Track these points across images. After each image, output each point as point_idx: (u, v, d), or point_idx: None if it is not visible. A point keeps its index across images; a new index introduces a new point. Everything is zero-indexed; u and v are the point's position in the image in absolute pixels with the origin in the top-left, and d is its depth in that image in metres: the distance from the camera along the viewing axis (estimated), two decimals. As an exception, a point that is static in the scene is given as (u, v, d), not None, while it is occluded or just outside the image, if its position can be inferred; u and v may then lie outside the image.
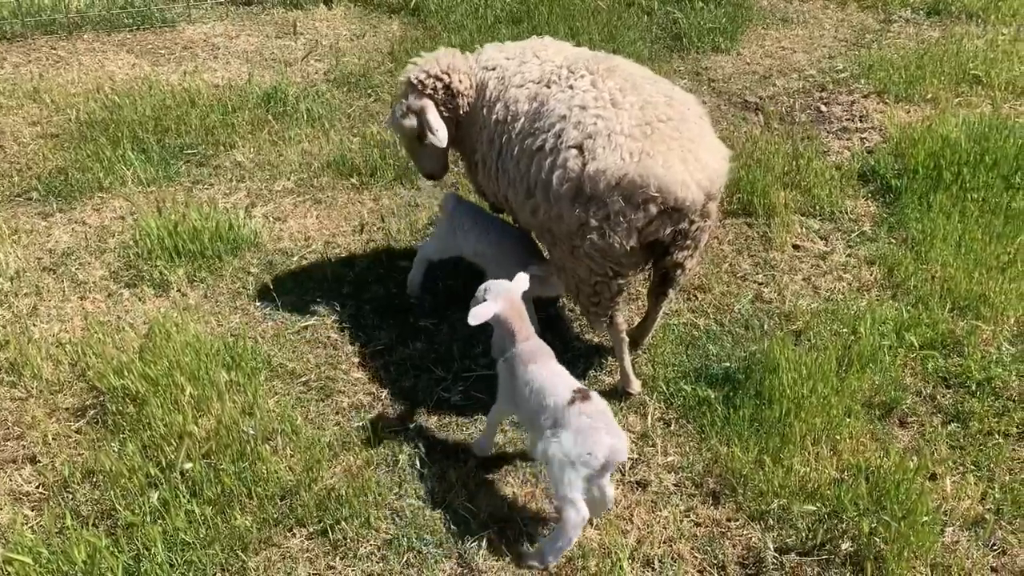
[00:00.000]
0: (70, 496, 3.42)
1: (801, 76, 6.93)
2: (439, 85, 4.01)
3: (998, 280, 4.47)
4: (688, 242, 3.53)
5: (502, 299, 3.42)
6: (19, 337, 4.15)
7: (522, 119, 3.72)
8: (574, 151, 3.43)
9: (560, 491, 3.09)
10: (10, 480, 3.50)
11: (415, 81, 4.04)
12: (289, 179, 5.53)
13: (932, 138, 5.60)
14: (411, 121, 4.09)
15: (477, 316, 3.35)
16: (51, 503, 3.39)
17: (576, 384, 3.27)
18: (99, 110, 6.09)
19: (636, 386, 3.88)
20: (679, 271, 3.67)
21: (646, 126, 3.39)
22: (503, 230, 4.25)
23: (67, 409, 3.82)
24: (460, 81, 4.01)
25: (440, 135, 4.00)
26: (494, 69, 3.99)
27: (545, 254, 4.06)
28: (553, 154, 3.49)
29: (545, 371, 3.33)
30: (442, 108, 4.06)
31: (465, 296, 4.39)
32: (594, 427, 3.08)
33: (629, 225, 3.38)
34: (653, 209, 3.34)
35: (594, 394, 3.21)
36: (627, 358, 3.84)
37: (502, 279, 4.05)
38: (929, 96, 6.40)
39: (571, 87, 3.62)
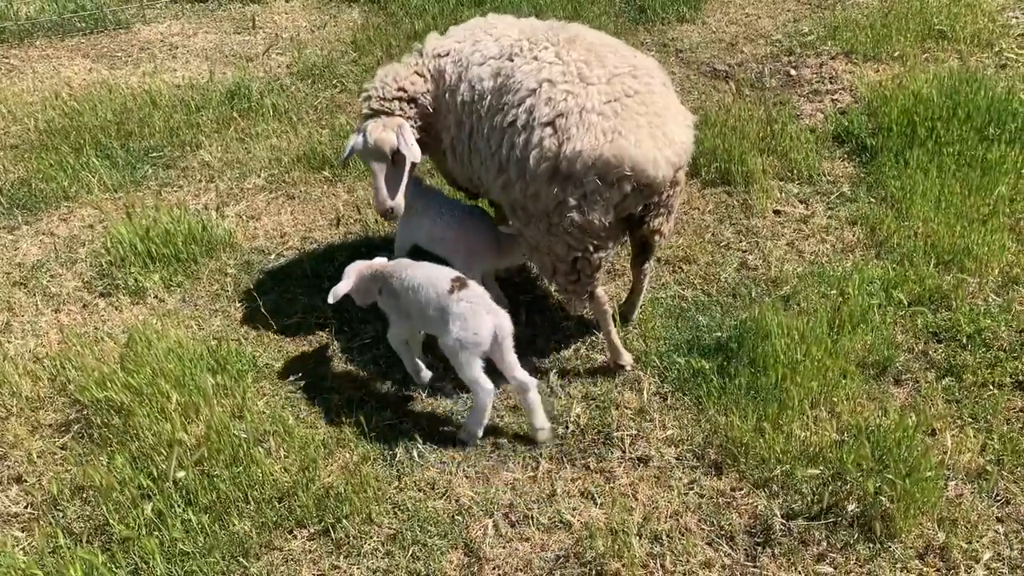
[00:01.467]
0: (60, 514, 3.32)
1: (768, 41, 6.90)
2: (403, 102, 3.92)
3: (980, 232, 4.48)
4: (662, 209, 3.60)
5: (353, 274, 3.76)
6: (-6, 355, 4.03)
7: (488, 96, 3.68)
8: (548, 129, 3.40)
9: (463, 375, 3.49)
10: (-3, 502, 3.40)
11: (380, 107, 3.92)
12: (260, 176, 5.42)
13: (904, 95, 5.60)
14: (390, 136, 3.83)
15: (334, 295, 3.67)
16: (41, 522, 3.29)
17: (454, 274, 3.60)
18: (58, 117, 5.93)
19: (627, 359, 3.85)
20: (657, 236, 3.72)
21: (615, 103, 3.39)
22: (461, 211, 4.10)
23: (50, 425, 3.72)
24: (413, 84, 3.94)
25: (415, 149, 3.86)
26: (447, 54, 3.92)
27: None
28: (527, 131, 3.45)
29: (420, 272, 3.63)
30: (412, 121, 3.95)
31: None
32: (474, 310, 3.42)
33: (606, 202, 3.41)
34: (627, 187, 3.39)
35: (472, 282, 3.56)
36: (614, 331, 3.80)
37: (467, 261, 3.98)
38: (896, 54, 6.40)
39: (536, 59, 3.59)
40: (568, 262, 3.60)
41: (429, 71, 3.96)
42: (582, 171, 3.35)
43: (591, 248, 3.54)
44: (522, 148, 3.47)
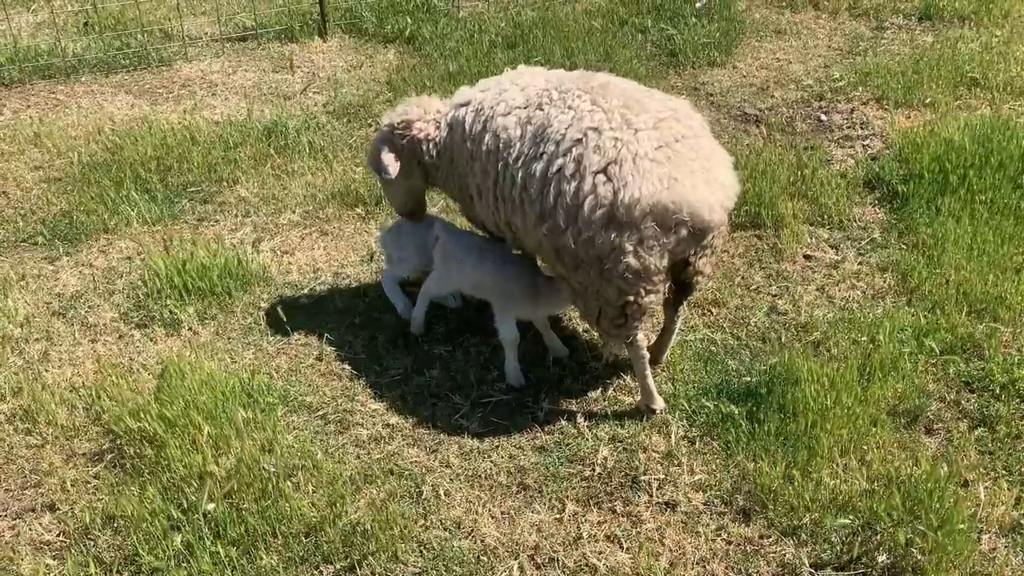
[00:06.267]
0: (92, 543, 3.37)
1: (799, 86, 6.94)
2: (400, 133, 4.20)
3: (1013, 281, 4.45)
4: (707, 250, 3.66)
5: None
6: (32, 383, 4.11)
7: (517, 144, 3.73)
8: (601, 177, 3.44)
9: None
10: (30, 529, 3.45)
11: (384, 127, 4.28)
12: (295, 212, 5.51)
13: (936, 142, 5.60)
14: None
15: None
16: (73, 551, 3.33)
17: None
18: (100, 152, 6.08)
19: (660, 403, 3.85)
20: (700, 277, 3.76)
21: (666, 147, 3.45)
22: (499, 256, 4.12)
23: (84, 454, 3.78)
24: (420, 129, 4.16)
25: (389, 170, 4.18)
26: (467, 104, 4.06)
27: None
28: (576, 179, 3.48)
29: None
30: (406, 152, 4.22)
31: (478, 321, 4.39)
32: None
33: (662, 247, 3.45)
34: (683, 231, 3.45)
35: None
36: (649, 375, 3.81)
37: (505, 306, 4.01)
38: (928, 100, 6.41)
39: (570, 108, 3.63)
40: (618, 306, 3.62)
41: (446, 120, 4.16)
42: (640, 217, 3.40)
43: (643, 292, 3.57)
44: (573, 196, 3.51)
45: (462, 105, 4.08)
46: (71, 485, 3.61)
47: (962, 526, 3.17)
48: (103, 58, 7.64)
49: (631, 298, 3.56)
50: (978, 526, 3.27)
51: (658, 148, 3.44)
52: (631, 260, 3.45)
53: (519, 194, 3.70)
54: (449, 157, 4.15)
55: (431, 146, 4.17)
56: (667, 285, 3.70)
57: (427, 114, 4.20)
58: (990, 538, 3.25)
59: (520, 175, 3.69)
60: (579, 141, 3.51)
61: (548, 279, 3.96)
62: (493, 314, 4.09)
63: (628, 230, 3.42)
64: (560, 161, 3.54)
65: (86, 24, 8.28)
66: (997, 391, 3.87)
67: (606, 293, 3.59)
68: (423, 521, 3.44)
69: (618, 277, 3.50)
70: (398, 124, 4.20)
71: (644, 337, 3.81)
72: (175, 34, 8.12)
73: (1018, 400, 3.82)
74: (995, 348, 4.07)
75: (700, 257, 3.66)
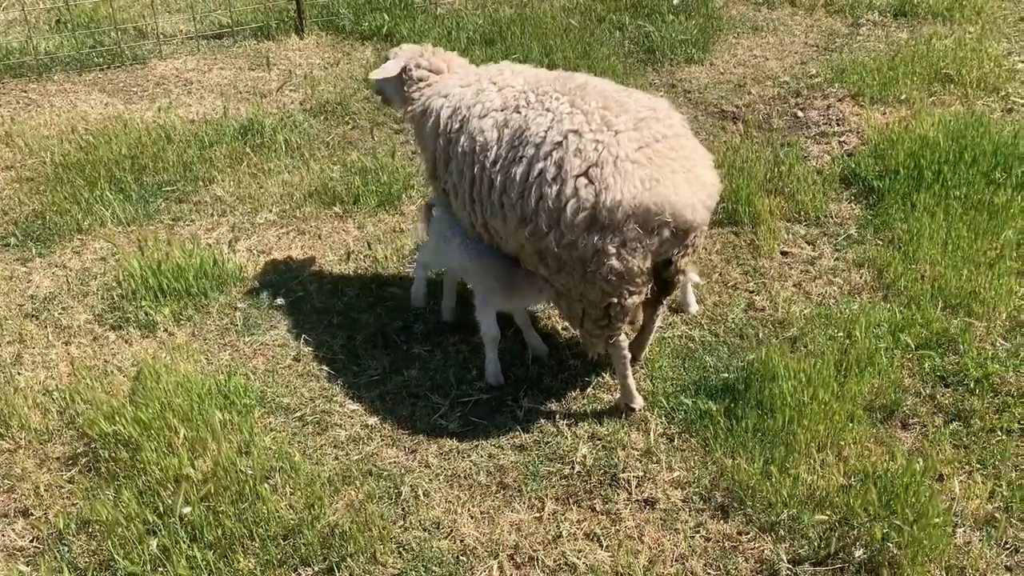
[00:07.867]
0: (66, 548, 3.33)
1: (775, 83, 6.97)
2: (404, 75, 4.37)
3: (987, 276, 4.49)
4: (688, 249, 3.64)
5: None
6: (4, 387, 4.06)
7: (494, 147, 3.71)
8: (583, 180, 3.43)
9: None
10: (2, 535, 3.40)
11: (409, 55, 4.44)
12: (271, 211, 5.47)
13: (910, 138, 5.64)
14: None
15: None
16: (47, 557, 3.30)
17: None
18: (74, 151, 6.01)
19: (639, 402, 3.85)
20: (681, 276, 3.76)
21: (647, 148, 3.44)
22: (480, 245, 4.09)
23: (58, 458, 3.73)
24: (410, 86, 4.31)
25: (378, 70, 4.40)
26: (446, 96, 4.04)
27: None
28: (558, 183, 3.47)
29: None
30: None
31: (455, 320, 4.36)
32: None
33: (645, 249, 3.45)
34: (666, 232, 3.44)
35: None
36: (630, 375, 3.81)
37: (484, 295, 4.01)
38: (903, 97, 6.46)
39: (548, 110, 3.61)
40: (601, 308, 3.62)
41: (423, 99, 4.18)
42: (622, 220, 3.39)
43: (626, 293, 3.56)
44: (555, 199, 3.49)
45: (443, 96, 4.06)
46: (45, 490, 3.57)
47: (937, 520, 3.19)
48: (76, 56, 7.55)
49: (615, 300, 3.56)
50: (953, 519, 3.30)
51: (639, 149, 3.43)
52: (614, 262, 3.44)
53: (498, 198, 3.68)
54: (418, 132, 4.21)
55: (406, 105, 4.30)
56: (650, 286, 3.69)
57: (425, 80, 4.26)
58: (965, 531, 3.28)
59: (499, 179, 3.67)
60: (559, 144, 3.49)
61: (528, 272, 3.95)
62: (474, 307, 4.09)
63: (611, 233, 3.41)
64: (541, 164, 3.52)
65: (58, 22, 8.18)
66: (971, 385, 3.91)
67: (589, 295, 3.58)
68: (402, 522, 3.42)
69: (601, 279, 3.50)
70: (407, 65, 4.30)
71: (625, 337, 3.80)
72: (149, 32, 8.04)
73: (992, 394, 3.86)
74: (969, 343, 4.11)
75: (682, 256, 3.65)
